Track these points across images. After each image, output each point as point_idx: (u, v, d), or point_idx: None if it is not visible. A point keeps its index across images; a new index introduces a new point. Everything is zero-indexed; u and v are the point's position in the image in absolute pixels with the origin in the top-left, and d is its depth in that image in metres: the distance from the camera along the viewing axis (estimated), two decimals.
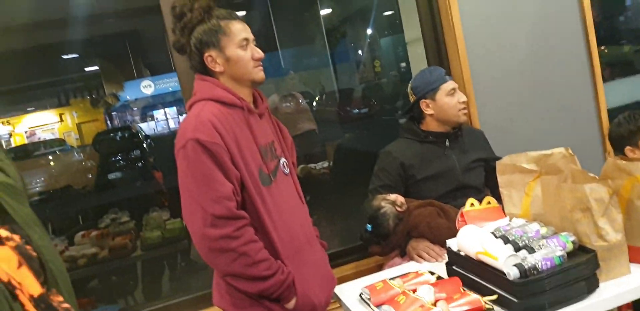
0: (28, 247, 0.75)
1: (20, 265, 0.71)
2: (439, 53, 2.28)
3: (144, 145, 6.10)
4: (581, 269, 1.14)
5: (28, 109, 12.10)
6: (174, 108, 11.47)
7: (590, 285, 1.16)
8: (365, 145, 3.59)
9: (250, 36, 1.36)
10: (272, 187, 1.34)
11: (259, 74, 1.36)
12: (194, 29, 1.32)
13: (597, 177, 1.26)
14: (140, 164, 5.62)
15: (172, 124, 11.33)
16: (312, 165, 3.19)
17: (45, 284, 0.75)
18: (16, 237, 0.74)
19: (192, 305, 2.03)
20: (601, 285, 1.18)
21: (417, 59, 2.48)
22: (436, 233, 1.61)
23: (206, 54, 1.32)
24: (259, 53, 1.36)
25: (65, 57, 8.97)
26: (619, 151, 1.78)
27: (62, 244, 3.05)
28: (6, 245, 0.72)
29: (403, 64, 5.89)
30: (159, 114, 11.58)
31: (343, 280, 1.59)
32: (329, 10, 6.89)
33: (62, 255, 2.85)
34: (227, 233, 1.21)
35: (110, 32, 7.71)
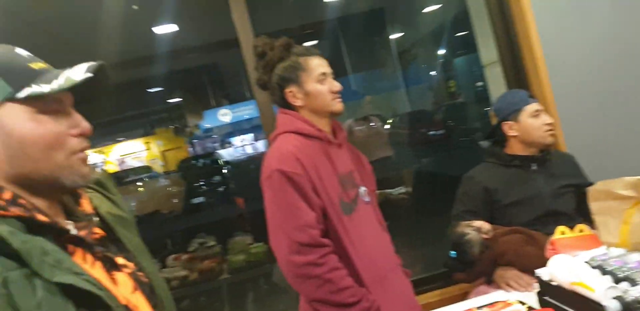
0: (140, 274, 0.82)
1: (135, 290, 0.77)
2: (518, 75, 2.25)
3: (224, 171, 6.43)
4: None
5: (118, 138, 13.19)
6: (251, 135, 11.97)
7: None
8: (444, 168, 3.55)
9: (328, 70, 1.44)
10: (353, 215, 1.39)
11: (337, 105, 1.44)
12: (275, 66, 1.42)
13: None
14: (221, 189, 5.91)
15: (249, 150, 11.81)
16: (389, 190, 3.21)
17: (155, 308, 0.81)
18: (130, 264, 0.81)
19: None
20: None
21: (495, 81, 2.46)
22: (525, 261, 1.57)
23: (287, 90, 1.42)
24: (337, 86, 1.44)
25: (150, 90, 9.74)
26: None
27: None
28: (123, 271, 0.78)
29: (479, 84, 5.78)
30: (236, 140, 12.13)
31: (427, 307, 1.59)
32: (400, 34, 6.97)
33: None
34: (312, 260, 1.27)
35: (190, 66, 8.30)
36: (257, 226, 3.68)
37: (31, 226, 0.68)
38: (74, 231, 0.73)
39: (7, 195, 0.69)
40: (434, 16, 6.43)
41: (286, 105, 1.46)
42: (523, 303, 1.35)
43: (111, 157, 12.62)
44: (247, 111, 10.13)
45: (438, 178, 3.26)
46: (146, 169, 10.53)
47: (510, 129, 1.84)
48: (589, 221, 1.60)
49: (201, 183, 5.97)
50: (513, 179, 1.83)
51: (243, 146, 12.04)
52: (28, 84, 0.69)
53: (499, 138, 1.90)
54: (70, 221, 0.74)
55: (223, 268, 3.13)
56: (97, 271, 0.72)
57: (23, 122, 0.69)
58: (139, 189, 7.50)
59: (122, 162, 12.65)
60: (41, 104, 0.70)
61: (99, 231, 0.79)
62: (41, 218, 0.69)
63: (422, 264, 2.69)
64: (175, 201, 6.04)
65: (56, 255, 0.66)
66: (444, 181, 2.61)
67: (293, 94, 1.42)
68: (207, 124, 10.89)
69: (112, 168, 11.96)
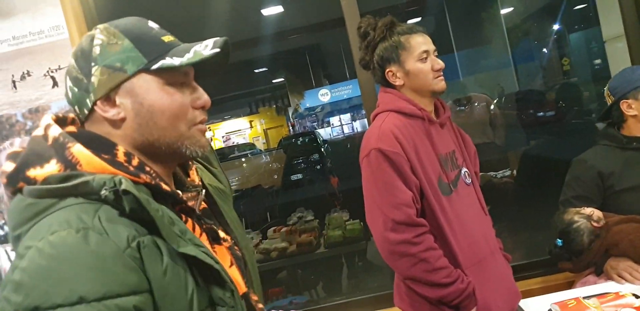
0: (236, 248, 0.83)
1: (231, 264, 0.79)
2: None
3: (322, 149, 6.58)
4: None
5: (225, 117, 14.00)
6: (348, 115, 12.08)
7: None
8: (554, 152, 3.33)
9: (431, 47, 1.41)
10: (452, 196, 1.37)
11: (439, 84, 1.41)
12: (377, 46, 1.43)
13: None
14: (319, 166, 6.08)
15: (346, 130, 11.94)
16: (492, 173, 3.09)
17: (247, 283, 0.81)
18: (228, 238, 0.82)
19: (371, 304, 2.15)
20: None
21: (617, 58, 2.25)
22: None
23: (387, 70, 1.42)
24: (439, 64, 1.40)
25: (256, 71, 10.17)
26: None
27: (257, 238, 3.49)
28: (223, 245, 0.79)
29: (597, 61, 5.27)
30: (334, 120, 12.31)
31: (527, 294, 1.54)
32: (509, 9, 6.54)
33: (257, 247, 3.25)
34: (407, 239, 1.28)
35: (294, 47, 8.51)
36: (352, 203, 3.75)
37: (155, 193, 0.71)
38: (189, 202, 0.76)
39: (135, 161, 0.71)
40: None
41: (388, 84, 1.46)
42: (637, 296, 1.27)
43: (217, 134, 13.47)
44: (345, 91, 10.21)
45: (546, 162, 3.07)
46: (249, 146, 11.10)
47: (629, 108, 1.69)
48: None
49: (300, 161, 6.17)
50: (630, 162, 1.69)
51: (341, 125, 12.18)
52: (162, 57, 0.72)
53: (616, 119, 1.76)
54: (180, 191, 0.76)
55: (320, 242, 3.25)
56: (204, 243, 0.73)
57: (154, 92, 0.72)
58: (243, 164, 7.95)
59: (227, 139, 13.46)
60: (170, 76, 0.73)
61: (204, 203, 0.82)
62: (165, 186, 0.72)
63: (524, 250, 2.59)
64: (276, 177, 6.33)
65: (180, 226, 0.69)
66: (552, 165, 2.46)
67: (393, 73, 1.42)
68: (308, 103, 11.17)
69: (218, 144, 12.77)
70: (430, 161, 1.36)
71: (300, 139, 7.32)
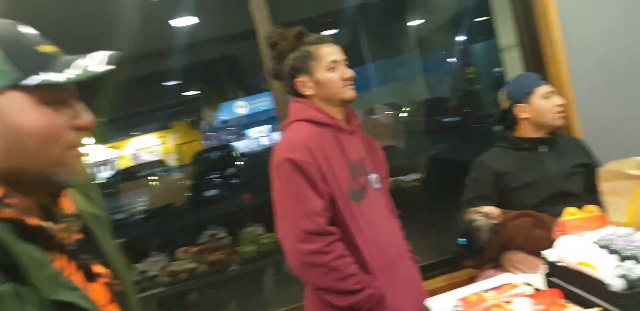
0: (115, 282, 0.77)
1: (110, 302, 0.73)
2: (536, 58, 2.23)
3: (239, 163, 6.49)
4: None
5: (133, 133, 13.41)
6: (267, 126, 12.06)
7: None
8: (459, 155, 3.54)
9: (340, 57, 1.44)
10: (362, 202, 1.40)
11: (348, 93, 1.44)
12: (287, 56, 1.44)
13: None
14: (236, 181, 5.98)
15: (264, 142, 11.89)
16: (401, 177, 3.21)
17: None
18: (106, 272, 0.75)
19: None
20: None
21: (513, 65, 2.44)
22: (533, 244, 1.56)
23: (297, 80, 1.43)
24: (348, 73, 1.44)
25: (166, 83, 9.85)
26: None
27: (165, 260, 3.32)
28: (99, 282, 0.72)
29: (498, 69, 5.71)
30: (252, 132, 12.23)
31: (434, 292, 1.59)
32: (420, 21, 6.91)
33: (164, 270, 3.11)
34: (318, 248, 1.29)
35: (208, 58, 8.35)
36: (268, 216, 3.71)
37: (21, 229, 0.62)
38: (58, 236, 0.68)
39: None
40: (454, 1, 6.36)
41: (299, 94, 1.47)
42: (530, 285, 1.35)
43: (125, 151, 12.85)
44: (263, 102, 10.20)
45: (451, 165, 3.25)
46: (160, 163, 10.69)
47: (522, 111, 1.84)
48: (597, 202, 1.60)
49: (215, 176, 6.04)
50: (522, 162, 1.83)
51: (259, 137, 12.12)
52: (37, 71, 0.63)
53: (510, 122, 1.90)
54: (50, 223, 0.67)
55: (233, 259, 3.18)
56: (79, 282, 0.67)
57: (25, 112, 0.63)
58: (153, 183, 7.63)
59: (136, 157, 12.88)
60: (47, 93, 0.64)
61: (78, 235, 0.74)
62: (32, 221, 0.64)
63: (432, 251, 2.70)
64: (189, 194, 6.13)
65: (51, 268, 0.62)
66: (458, 167, 2.60)
67: (303, 83, 1.43)
68: (223, 116, 11.01)
69: (126, 162, 12.17)
70: (341, 169, 1.38)
71: (216, 153, 7.18)
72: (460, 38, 7.06)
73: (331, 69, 1.42)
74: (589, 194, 1.81)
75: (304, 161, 1.31)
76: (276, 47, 1.46)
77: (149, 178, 8.14)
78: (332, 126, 1.42)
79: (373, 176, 1.49)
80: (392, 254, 1.44)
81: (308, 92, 1.44)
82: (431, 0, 6.46)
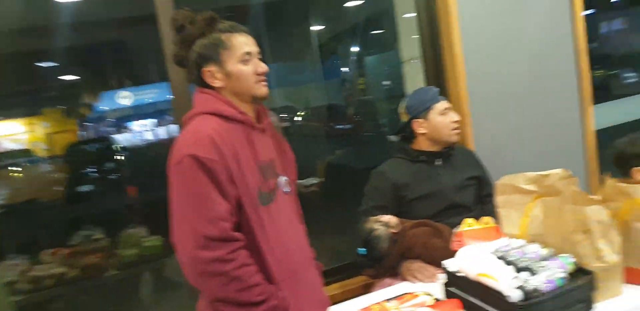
0: None
1: None
2: (437, 72, 2.33)
3: (119, 157, 6.02)
4: (581, 291, 1.17)
5: None
6: (152, 120, 11.38)
7: (587, 306, 1.19)
8: (354, 161, 3.62)
9: (254, 49, 1.34)
10: (271, 206, 1.31)
11: (262, 89, 1.34)
12: (194, 42, 1.31)
13: (597, 199, 1.29)
14: (114, 176, 5.53)
15: (149, 136, 11.21)
16: (300, 181, 3.19)
17: None
18: None
19: None
20: (595, 305, 1.20)
21: (412, 78, 2.53)
22: (432, 253, 1.61)
23: (205, 69, 1.30)
24: (263, 67, 1.34)
25: (40, 65, 8.85)
26: (623, 171, 1.77)
27: (25, 264, 2.90)
28: None
29: (387, 82, 6.00)
30: (135, 125, 11.46)
31: (330, 299, 1.57)
32: (321, 27, 6.99)
33: (25, 275, 2.73)
34: (220, 256, 1.17)
35: (93, 41, 7.65)
36: (153, 217, 3.45)
37: None
38: None
39: None
40: (355, 12, 6.53)
41: (205, 85, 1.34)
42: (430, 295, 1.37)
43: None
44: (150, 94, 9.60)
45: (348, 170, 3.31)
46: (25, 152, 9.56)
47: (419, 127, 1.89)
48: (486, 212, 1.70)
49: (91, 170, 5.52)
50: (419, 174, 1.89)
51: (142, 131, 11.40)
52: None
53: (408, 135, 1.95)
54: None
55: (110, 263, 2.90)
56: None
57: None
58: (16, 174, 6.78)
59: None
60: None
61: None
62: None
63: (327, 256, 2.70)
64: (59, 188, 5.52)
65: None
66: (354, 173, 2.63)
67: (212, 73, 1.30)
68: (105, 106, 10.15)
69: None
70: (250, 169, 1.27)
71: (93, 145, 6.58)
72: (356, 49, 7.29)
73: (244, 61, 1.31)
74: (478, 205, 1.93)
75: (210, 159, 1.19)
76: (183, 32, 1.31)
77: (10, 168, 7.20)
78: (242, 122, 1.30)
79: (283, 179, 1.41)
80: (297, 262, 1.38)
81: (216, 83, 1.31)
82: (333, 7, 6.57)
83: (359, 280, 2.11)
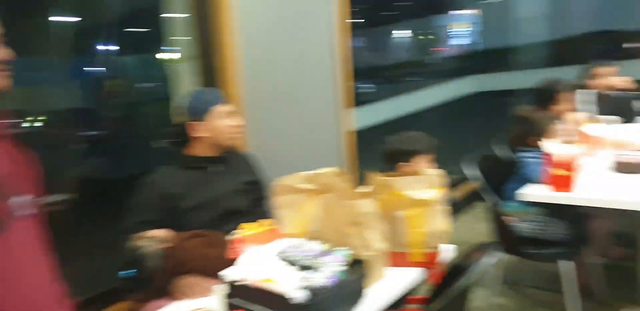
0: None
1: None
2: (210, 74, 2.24)
3: None
4: (357, 280, 1.23)
5: None
6: None
7: (361, 294, 1.26)
8: (112, 171, 3.25)
9: None
10: (6, 235, 1.02)
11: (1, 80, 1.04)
12: None
13: (366, 193, 1.39)
14: None
15: None
16: (43, 199, 2.69)
17: None
18: None
19: None
20: (366, 290, 1.28)
21: (179, 80, 2.39)
22: (208, 265, 1.50)
23: None
24: (5, 53, 1.05)
25: None
26: (391, 166, 2.02)
27: None
28: None
29: (150, 84, 5.69)
30: None
31: None
32: (73, 19, 6.17)
33: None
34: None
35: None
36: None
37: None
38: None
39: None
40: (114, 6, 5.99)
41: None
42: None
43: None
44: None
45: (103, 182, 2.95)
46: None
47: (197, 129, 1.77)
48: (265, 215, 1.68)
49: None
50: (193, 181, 1.77)
51: None
52: None
53: (182, 139, 1.81)
54: None
55: None
56: None
57: None
58: None
59: None
60: None
61: None
62: None
63: (83, 284, 2.33)
64: None
65: None
66: (110, 185, 2.34)
67: None
68: None
69: None
70: None
71: None
72: (112, 47, 6.71)
73: None
74: (257, 209, 1.90)
75: None
76: None
77: None
78: None
79: (20, 200, 1.11)
80: (39, 303, 1.10)
81: None
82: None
83: (122, 307, 1.86)
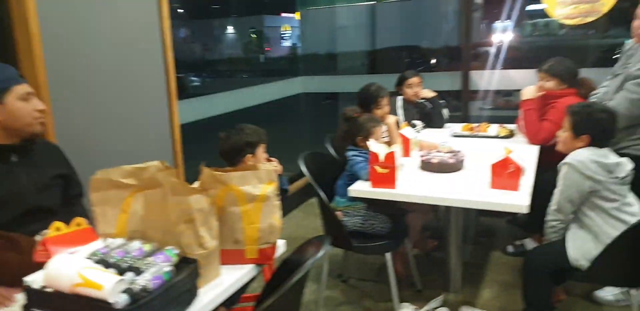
0: None
1: None
2: (6, 52, 1.92)
3: None
4: (187, 280, 1.16)
5: None
6: None
7: (192, 294, 1.20)
8: None
9: None
10: None
11: None
12: None
13: (197, 188, 1.33)
14: None
15: None
16: None
17: None
18: None
19: None
20: (200, 290, 1.24)
21: None
22: (7, 271, 1.29)
23: None
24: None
25: None
26: (231, 159, 2.02)
27: None
28: None
29: None
30: None
31: None
32: None
33: None
34: None
35: None
36: None
37: None
38: None
39: None
40: None
41: None
42: None
43: None
44: None
45: None
46: None
47: None
48: (77, 214, 1.51)
49: None
50: None
51: None
52: None
53: None
54: None
55: None
56: None
57: None
58: None
59: None
60: None
61: None
62: None
63: None
64: None
65: None
66: None
67: None
68: None
69: None
70: None
71: None
72: None
73: None
74: (67, 207, 1.69)
75: None
76: None
77: None
78: None
79: None
80: None
81: None
82: None
83: None
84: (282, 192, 1.97)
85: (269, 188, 1.43)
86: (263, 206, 1.41)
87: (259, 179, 1.43)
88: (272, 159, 2.16)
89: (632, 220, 1.91)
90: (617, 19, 3.75)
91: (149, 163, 1.37)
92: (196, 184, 1.45)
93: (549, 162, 2.30)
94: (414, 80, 3.37)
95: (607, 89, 2.52)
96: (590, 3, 3.43)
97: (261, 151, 2.06)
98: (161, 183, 1.29)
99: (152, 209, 1.29)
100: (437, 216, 3.20)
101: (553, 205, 2.05)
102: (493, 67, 3.98)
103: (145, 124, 2.44)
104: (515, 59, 5.11)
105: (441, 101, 3.53)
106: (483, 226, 3.53)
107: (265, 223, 1.40)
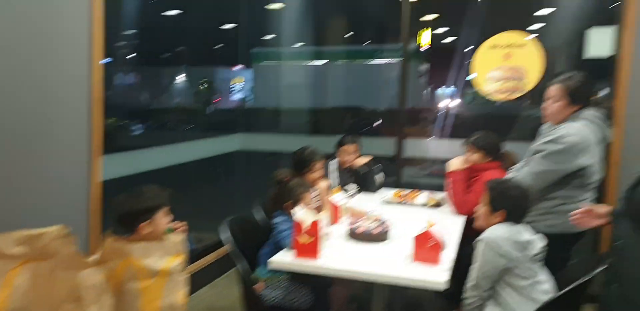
0: None
1: None
2: None
3: None
4: None
5: None
6: None
7: None
8: None
9: None
10: None
11: None
12: None
13: (93, 261, 1.26)
14: None
15: None
16: None
17: None
18: None
19: None
20: None
21: None
22: None
23: None
24: None
25: None
26: (128, 228, 1.65)
27: None
28: None
29: None
30: None
31: None
32: None
33: None
34: None
35: None
36: None
37: None
38: None
39: None
40: None
41: None
42: None
43: None
44: None
45: None
46: None
47: None
48: None
49: None
50: None
51: None
52: None
53: None
54: None
55: None
56: None
57: None
58: None
59: None
60: None
61: None
62: None
63: None
64: None
65: None
66: None
67: None
68: None
69: None
70: None
71: None
72: None
73: None
74: None
75: None
76: None
77: None
78: None
79: None
80: None
81: None
82: None
83: None
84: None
85: (175, 262, 1.38)
86: (166, 282, 1.34)
87: (165, 250, 1.38)
88: (179, 223, 1.87)
89: (544, 298, 1.96)
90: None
91: (47, 228, 1.30)
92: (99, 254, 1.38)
93: (478, 232, 2.35)
94: (349, 148, 3.45)
95: (523, 164, 2.67)
96: (515, 80, 3.70)
97: (161, 216, 1.74)
98: (55, 253, 1.22)
99: (39, 285, 1.20)
100: (365, 286, 3.15)
101: (471, 281, 2.08)
102: (432, 133, 4.11)
103: (57, 182, 2.29)
104: (455, 125, 5.34)
105: (377, 165, 3.60)
106: (410, 298, 3.49)
107: (166, 301, 1.33)
